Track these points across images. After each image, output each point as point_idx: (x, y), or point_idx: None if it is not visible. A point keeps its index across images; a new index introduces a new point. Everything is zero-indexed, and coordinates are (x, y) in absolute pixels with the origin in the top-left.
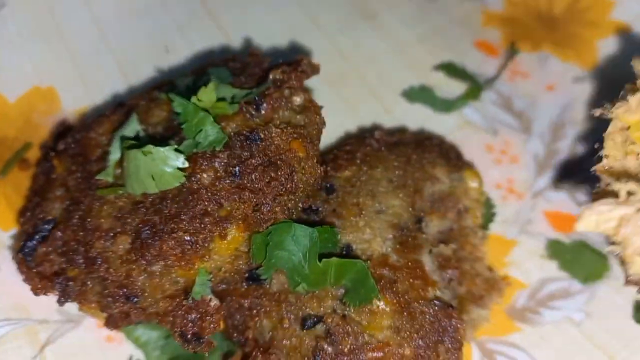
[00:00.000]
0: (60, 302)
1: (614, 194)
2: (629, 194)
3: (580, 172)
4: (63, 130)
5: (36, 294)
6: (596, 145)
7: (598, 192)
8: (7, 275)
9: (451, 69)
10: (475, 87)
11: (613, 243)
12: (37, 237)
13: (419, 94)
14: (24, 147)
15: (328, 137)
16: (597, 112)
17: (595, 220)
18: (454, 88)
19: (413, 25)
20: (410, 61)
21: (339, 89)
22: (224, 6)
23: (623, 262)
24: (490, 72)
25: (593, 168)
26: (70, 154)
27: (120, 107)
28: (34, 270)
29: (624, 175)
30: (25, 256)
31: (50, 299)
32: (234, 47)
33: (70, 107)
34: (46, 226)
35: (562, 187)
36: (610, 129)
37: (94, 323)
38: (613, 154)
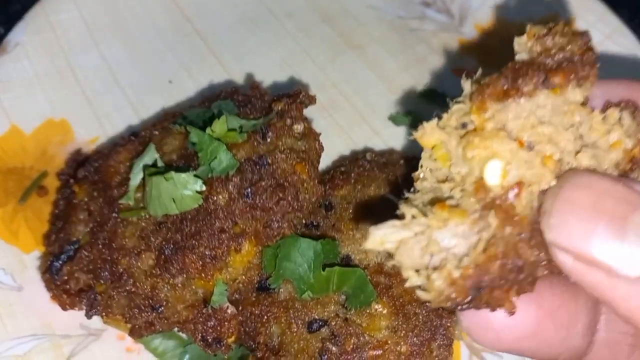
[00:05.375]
0: (88, 315)
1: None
2: (413, 217)
3: None
4: (80, 160)
5: (64, 309)
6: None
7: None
8: (31, 295)
9: (432, 95)
10: None
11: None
12: (62, 257)
13: (404, 118)
14: (41, 176)
15: (324, 159)
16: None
17: (380, 240)
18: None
19: (396, 55)
20: (396, 88)
21: (332, 116)
22: (224, 43)
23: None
24: None
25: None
26: (90, 181)
27: (135, 137)
28: (61, 287)
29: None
30: (53, 275)
31: (71, 315)
32: (235, 81)
33: (83, 138)
34: (71, 247)
35: None
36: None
37: (114, 335)
38: (427, 165)
